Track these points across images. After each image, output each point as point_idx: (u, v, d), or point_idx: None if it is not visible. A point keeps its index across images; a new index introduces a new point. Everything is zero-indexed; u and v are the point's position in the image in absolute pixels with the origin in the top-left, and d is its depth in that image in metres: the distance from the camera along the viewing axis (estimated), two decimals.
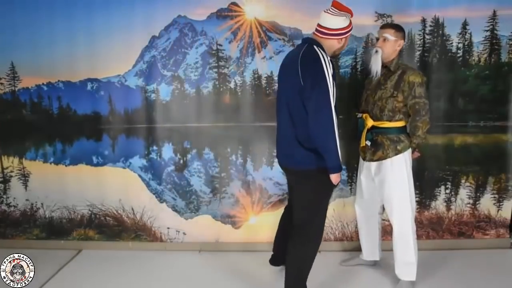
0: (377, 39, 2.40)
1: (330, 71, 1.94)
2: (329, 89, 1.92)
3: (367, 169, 2.51)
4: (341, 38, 2.08)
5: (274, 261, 2.65)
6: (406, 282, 2.45)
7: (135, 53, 2.93)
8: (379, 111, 2.37)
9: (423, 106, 2.31)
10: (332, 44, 2.08)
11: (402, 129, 2.39)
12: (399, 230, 2.41)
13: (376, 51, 2.34)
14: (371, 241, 2.68)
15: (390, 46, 2.33)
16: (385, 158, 2.38)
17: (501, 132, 2.89)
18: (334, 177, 2.04)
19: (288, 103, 2.06)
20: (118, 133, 3.05)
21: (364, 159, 2.50)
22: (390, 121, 2.36)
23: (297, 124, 2.05)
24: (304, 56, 1.99)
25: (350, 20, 2.10)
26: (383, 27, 2.40)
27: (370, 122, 2.41)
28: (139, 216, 3.11)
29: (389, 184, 2.40)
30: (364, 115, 2.45)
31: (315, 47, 2.00)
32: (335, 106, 1.98)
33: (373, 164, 2.45)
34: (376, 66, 2.35)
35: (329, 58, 1.99)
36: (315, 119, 1.94)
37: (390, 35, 2.32)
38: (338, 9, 2.03)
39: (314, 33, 2.12)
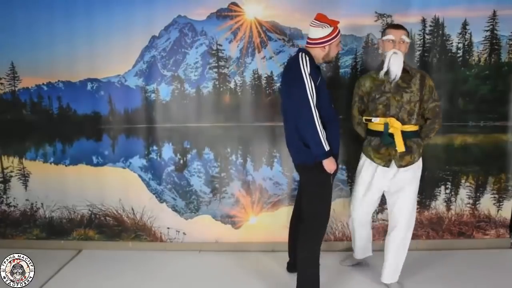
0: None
1: (308, 71, 2.12)
2: (306, 86, 2.10)
3: (383, 172, 2.39)
4: (324, 46, 2.25)
5: (291, 268, 2.67)
6: (395, 284, 2.48)
7: (135, 53, 2.93)
8: (407, 114, 2.31)
9: (440, 109, 2.36)
10: (317, 52, 2.27)
11: (418, 133, 2.40)
12: (403, 236, 2.41)
13: (395, 53, 2.25)
14: (366, 241, 2.68)
15: (406, 48, 2.31)
16: (413, 163, 2.35)
17: (501, 132, 2.89)
18: (326, 164, 2.17)
19: (287, 106, 2.28)
20: (118, 133, 3.05)
21: (385, 165, 2.36)
22: (415, 124, 2.36)
23: (294, 124, 2.23)
24: (289, 62, 2.31)
25: (335, 28, 2.23)
26: (398, 27, 2.30)
27: (399, 126, 2.30)
28: (139, 216, 3.11)
29: (407, 190, 2.37)
30: (389, 119, 2.31)
31: (300, 53, 2.21)
32: (329, 104, 2.24)
33: (393, 169, 2.35)
34: (397, 69, 2.26)
35: (308, 60, 2.15)
36: (298, 113, 2.15)
37: (406, 37, 2.29)
38: (320, 20, 2.22)
39: (305, 44, 2.32)
